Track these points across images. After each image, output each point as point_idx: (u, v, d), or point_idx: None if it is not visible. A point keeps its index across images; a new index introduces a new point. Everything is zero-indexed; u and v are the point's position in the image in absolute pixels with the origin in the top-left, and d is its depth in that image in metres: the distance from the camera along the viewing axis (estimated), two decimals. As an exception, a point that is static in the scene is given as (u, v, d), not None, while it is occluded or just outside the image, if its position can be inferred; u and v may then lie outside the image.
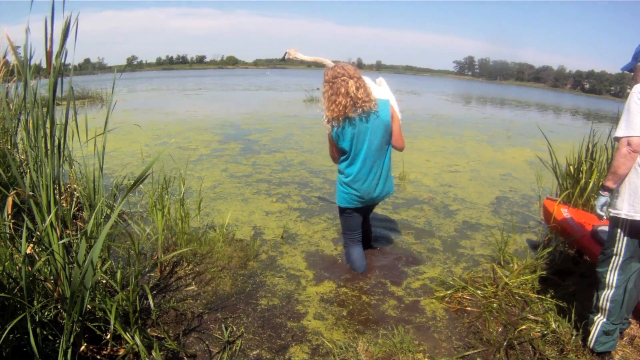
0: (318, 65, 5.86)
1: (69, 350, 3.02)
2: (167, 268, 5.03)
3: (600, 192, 3.69)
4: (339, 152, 4.84)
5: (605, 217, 3.77)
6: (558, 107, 43.44)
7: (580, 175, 6.58)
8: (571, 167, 6.86)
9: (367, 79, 4.93)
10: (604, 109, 46.53)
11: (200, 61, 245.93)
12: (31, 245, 3.45)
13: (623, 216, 3.46)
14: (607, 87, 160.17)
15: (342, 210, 5.10)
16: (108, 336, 3.42)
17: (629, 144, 3.31)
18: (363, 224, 5.36)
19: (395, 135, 4.81)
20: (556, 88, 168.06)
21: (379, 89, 5.12)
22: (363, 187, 4.80)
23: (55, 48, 3.36)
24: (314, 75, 70.03)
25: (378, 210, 7.33)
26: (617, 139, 3.41)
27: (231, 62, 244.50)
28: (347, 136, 4.61)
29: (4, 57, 7.22)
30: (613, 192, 3.59)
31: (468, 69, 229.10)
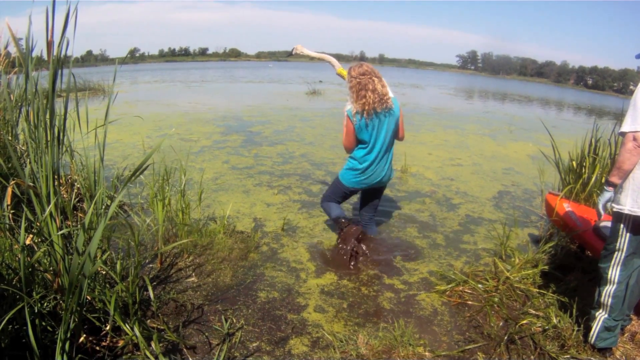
0: (323, 60, 6.31)
1: (68, 342, 3.01)
2: (168, 259, 5.02)
3: (605, 187, 3.67)
4: (356, 142, 5.28)
5: (606, 214, 3.76)
6: (561, 103, 43.40)
7: (583, 170, 6.56)
8: (574, 162, 6.85)
9: None
10: (607, 105, 46.49)
11: (203, 53, 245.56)
12: (31, 236, 3.44)
13: (626, 212, 3.44)
14: (610, 83, 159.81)
15: (342, 186, 5.52)
16: (107, 327, 3.41)
17: (634, 139, 3.29)
18: (367, 212, 5.84)
19: (401, 126, 5.39)
20: (559, 83, 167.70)
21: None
22: (374, 173, 5.31)
23: (56, 39, 3.35)
24: (316, 68, 70.13)
25: (387, 202, 7.42)
26: (623, 134, 3.38)
27: (234, 55, 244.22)
28: (369, 128, 5.12)
29: (6, 48, 7.21)
30: (617, 188, 3.57)
31: (471, 63, 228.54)
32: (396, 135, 5.40)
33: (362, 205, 5.89)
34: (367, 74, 5.12)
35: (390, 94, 5.29)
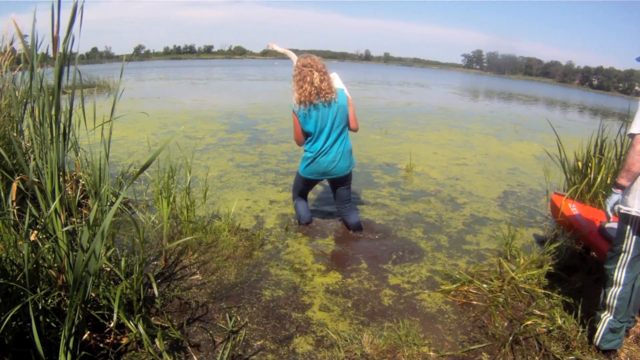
0: (286, 55, 6.54)
1: (72, 338, 3.01)
2: (172, 257, 5.02)
3: (613, 189, 3.65)
4: (304, 135, 5.56)
5: (614, 216, 3.73)
6: (566, 103, 43.35)
7: (589, 171, 6.54)
8: (579, 163, 6.83)
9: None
10: (612, 106, 46.44)
11: (208, 51, 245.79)
12: (35, 232, 3.43)
13: (634, 213, 3.42)
14: (615, 84, 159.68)
15: (299, 176, 5.88)
16: (111, 324, 3.41)
17: None
18: (340, 204, 6.10)
19: (351, 117, 5.58)
20: (564, 83, 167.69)
21: (339, 82, 5.70)
22: (325, 161, 5.54)
23: (62, 35, 3.34)
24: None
25: (386, 201, 7.39)
26: (632, 136, 3.36)
27: (239, 53, 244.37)
28: (312, 119, 5.37)
29: (11, 44, 7.20)
30: (625, 190, 3.55)
31: (476, 62, 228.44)
32: (346, 124, 5.59)
33: (336, 200, 6.14)
34: (308, 66, 5.35)
35: (338, 87, 5.53)
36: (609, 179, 6.31)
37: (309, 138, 5.55)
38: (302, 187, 6.04)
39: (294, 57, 6.17)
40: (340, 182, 5.89)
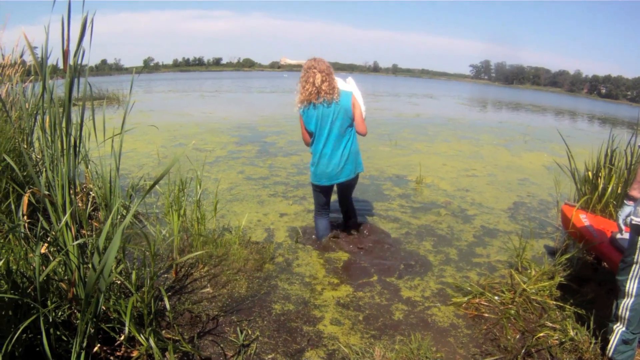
0: (300, 66, 6.42)
1: (82, 352, 3.00)
2: (183, 270, 5.00)
3: (625, 201, 3.63)
4: (309, 134, 5.71)
5: (627, 227, 3.70)
6: (574, 112, 43.34)
7: (599, 181, 6.51)
8: (589, 173, 6.79)
9: (337, 79, 5.70)
10: (621, 114, 46.40)
11: (217, 63, 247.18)
12: (46, 244, 3.43)
13: None
14: (624, 92, 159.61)
15: (313, 186, 5.93)
16: (122, 337, 3.39)
17: None
18: (343, 206, 6.33)
19: (357, 120, 5.66)
20: (572, 92, 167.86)
21: (347, 85, 5.86)
22: (330, 165, 5.64)
23: (72, 47, 3.34)
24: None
25: (396, 214, 7.37)
26: None
27: (247, 65, 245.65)
28: (312, 118, 5.52)
29: (21, 57, 7.23)
30: (637, 201, 3.52)
31: (484, 72, 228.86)
32: (350, 126, 5.64)
33: (339, 200, 6.33)
34: (311, 68, 5.50)
35: (343, 88, 5.66)
36: (619, 188, 6.27)
37: (312, 138, 5.71)
38: (320, 198, 5.98)
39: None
40: (345, 186, 6.00)
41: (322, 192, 5.92)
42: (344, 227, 6.44)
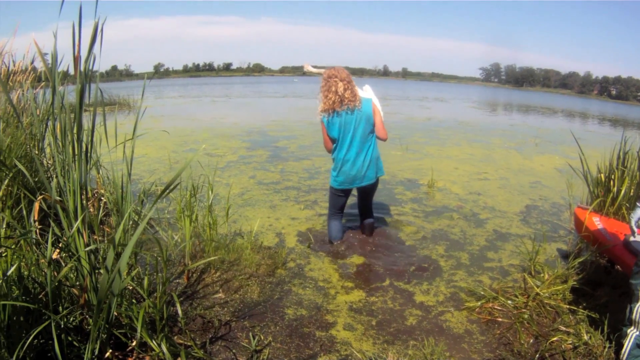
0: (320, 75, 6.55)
1: (95, 358, 2.99)
2: (195, 275, 4.99)
3: (638, 204, 3.60)
4: (331, 141, 5.78)
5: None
6: (585, 114, 43.30)
7: (612, 183, 6.47)
8: (602, 175, 6.75)
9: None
10: (632, 115, 46.30)
11: (227, 68, 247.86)
12: (57, 250, 3.43)
13: None
14: (634, 93, 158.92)
15: (333, 190, 6.02)
16: (134, 343, 3.38)
17: None
18: (362, 208, 6.32)
19: (378, 126, 5.79)
20: (583, 94, 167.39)
21: (366, 93, 5.94)
22: (353, 169, 5.75)
23: (83, 53, 3.34)
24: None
25: (409, 218, 7.34)
26: None
27: (257, 70, 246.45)
28: (335, 125, 5.62)
29: (32, 63, 7.26)
30: None
31: (494, 75, 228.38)
32: (372, 132, 5.77)
33: (358, 203, 6.36)
34: (333, 77, 5.65)
35: (363, 96, 5.78)
36: (631, 191, 6.23)
37: (334, 145, 5.77)
38: (337, 201, 6.11)
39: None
40: (366, 190, 6.06)
41: (341, 196, 6.06)
42: (360, 228, 6.47)
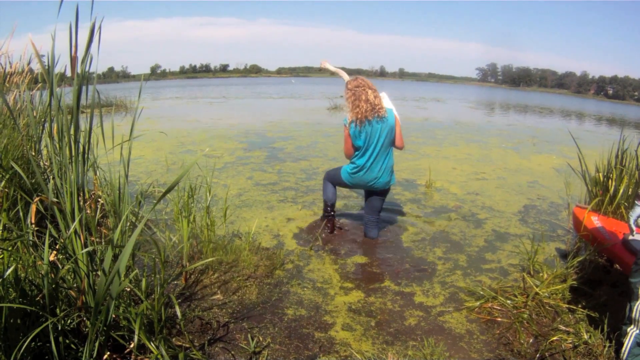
0: (337, 75, 6.94)
1: (92, 360, 2.98)
2: (192, 276, 4.98)
3: (637, 202, 3.60)
4: (353, 149, 5.95)
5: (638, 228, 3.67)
6: (582, 113, 43.40)
7: (610, 182, 6.48)
8: (600, 174, 6.77)
9: None
10: (628, 115, 46.45)
11: (224, 70, 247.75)
12: (54, 252, 3.41)
13: None
14: (631, 93, 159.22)
15: (340, 176, 6.27)
16: (132, 345, 3.37)
17: None
18: (369, 215, 6.38)
19: (398, 136, 5.96)
20: (579, 94, 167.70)
21: (386, 102, 6.04)
22: (368, 176, 5.95)
23: (80, 54, 3.33)
24: (337, 83, 70.56)
25: (407, 218, 7.37)
26: None
27: (254, 71, 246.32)
28: (363, 134, 5.75)
29: (28, 64, 7.25)
30: None
31: (491, 75, 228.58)
32: (392, 143, 5.95)
33: (365, 207, 6.44)
34: (361, 86, 5.79)
35: (387, 105, 5.92)
36: (630, 189, 6.24)
37: (357, 152, 5.93)
38: (339, 183, 6.41)
39: (345, 76, 6.46)
40: (377, 194, 6.22)
41: (345, 186, 6.42)
42: (363, 229, 6.52)
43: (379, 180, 5.97)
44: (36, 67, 7.42)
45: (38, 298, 3.05)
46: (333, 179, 6.46)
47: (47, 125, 4.73)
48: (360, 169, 5.93)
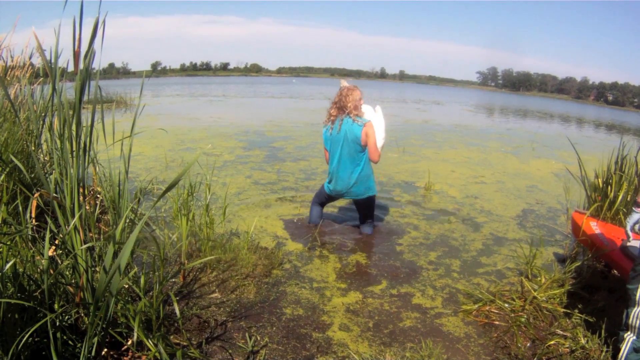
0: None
1: (90, 357, 2.97)
2: (191, 274, 4.97)
3: (634, 208, 3.60)
4: (326, 152, 6.35)
5: (635, 234, 3.67)
6: (581, 119, 43.54)
7: (609, 188, 6.48)
8: (599, 180, 6.77)
9: (367, 107, 6.36)
10: (629, 122, 46.49)
11: (224, 68, 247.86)
12: (53, 247, 3.41)
13: None
14: (631, 99, 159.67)
15: (323, 189, 6.57)
16: (130, 342, 3.36)
17: None
18: (361, 217, 6.61)
19: (371, 148, 6.05)
20: (579, 100, 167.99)
21: (374, 114, 6.33)
22: (338, 184, 6.21)
23: (83, 49, 3.32)
24: (337, 84, 70.53)
25: (406, 220, 7.36)
26: None
27: (255, 70, 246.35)
28: (328, 140, 6.21)
29: (30, 58, 7.24)
30: None
31: (491, 79, 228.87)
32: (360, 152, 6.06)
33: (358, 214, 6.66)
34: (342, 93, 6.12)
35: (368, 117, 6.14)
36: (629, 196, 6.25)
37: (330, 158, 6.26)
38: (322, 196, 6.62)
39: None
40: (359, 203, 6.42)
41: (327, 198, 6.63)
42: (359, 232, 6.62)
43: (351, 190, 6.17)
44: (37, 61, 7.41)
45: (36, 293, 3.04)
46: (319, 195, 6.69)
47: (47, 119, 4.72)
48: (330, 176, 6.27)
